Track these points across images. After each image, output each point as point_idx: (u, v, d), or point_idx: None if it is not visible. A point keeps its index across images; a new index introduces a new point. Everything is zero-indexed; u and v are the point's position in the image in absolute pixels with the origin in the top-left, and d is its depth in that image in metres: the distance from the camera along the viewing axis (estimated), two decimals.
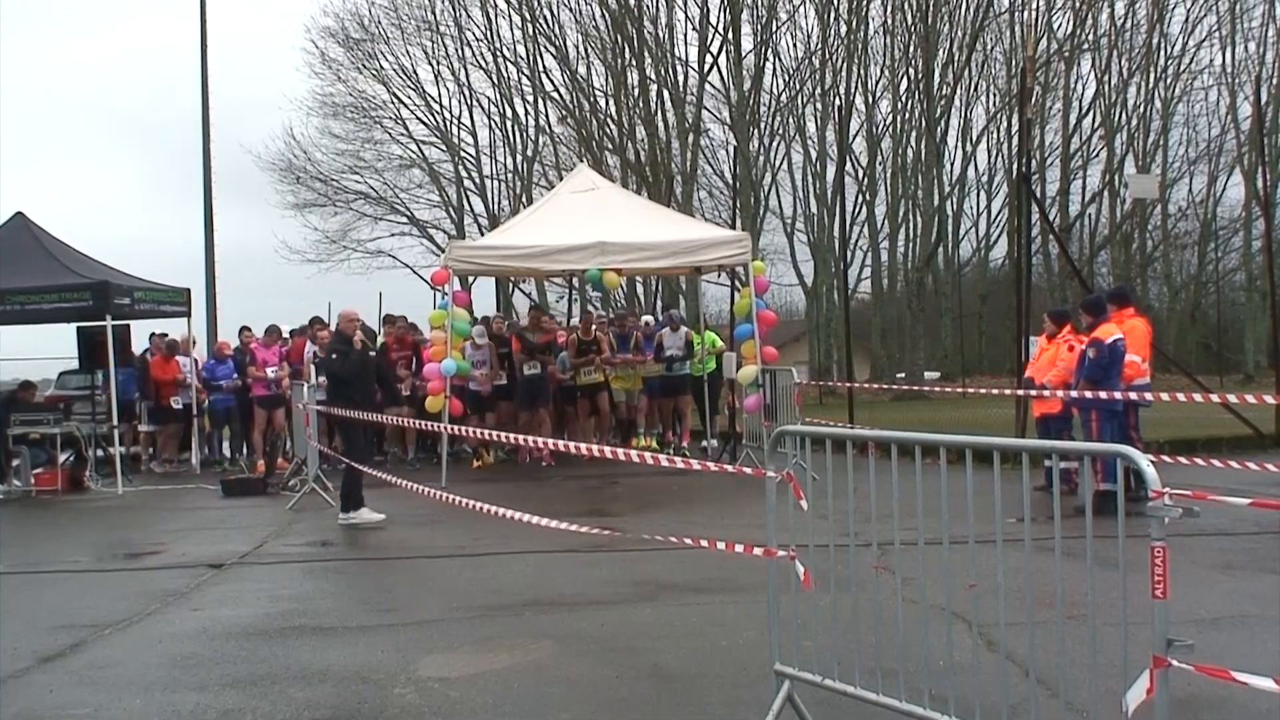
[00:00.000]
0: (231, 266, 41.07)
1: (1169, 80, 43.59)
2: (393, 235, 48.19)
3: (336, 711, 6.11)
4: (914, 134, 42.13)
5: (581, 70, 43.88)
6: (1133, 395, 12.56)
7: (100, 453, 17.86)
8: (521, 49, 44.81)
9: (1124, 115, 44.03)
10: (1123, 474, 4.89)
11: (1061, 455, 4.99)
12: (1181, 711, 4.72)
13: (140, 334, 19.97)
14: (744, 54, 41.85)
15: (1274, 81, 41.09)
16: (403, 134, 47.20)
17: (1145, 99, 43.69)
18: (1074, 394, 12.79)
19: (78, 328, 18.25)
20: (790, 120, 42.79)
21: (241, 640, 7.71)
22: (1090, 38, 42.72)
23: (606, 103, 44.44)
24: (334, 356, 13.33)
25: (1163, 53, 43.13)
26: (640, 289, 39.37)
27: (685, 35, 43.01)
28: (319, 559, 11.26)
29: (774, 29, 42.01)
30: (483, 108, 46.65)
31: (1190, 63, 43.17)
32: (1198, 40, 42.78)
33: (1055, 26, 42.01)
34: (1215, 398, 14.73)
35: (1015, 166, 38.28)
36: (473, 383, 18.07)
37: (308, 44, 62.76)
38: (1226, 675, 4.02)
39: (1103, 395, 12.11)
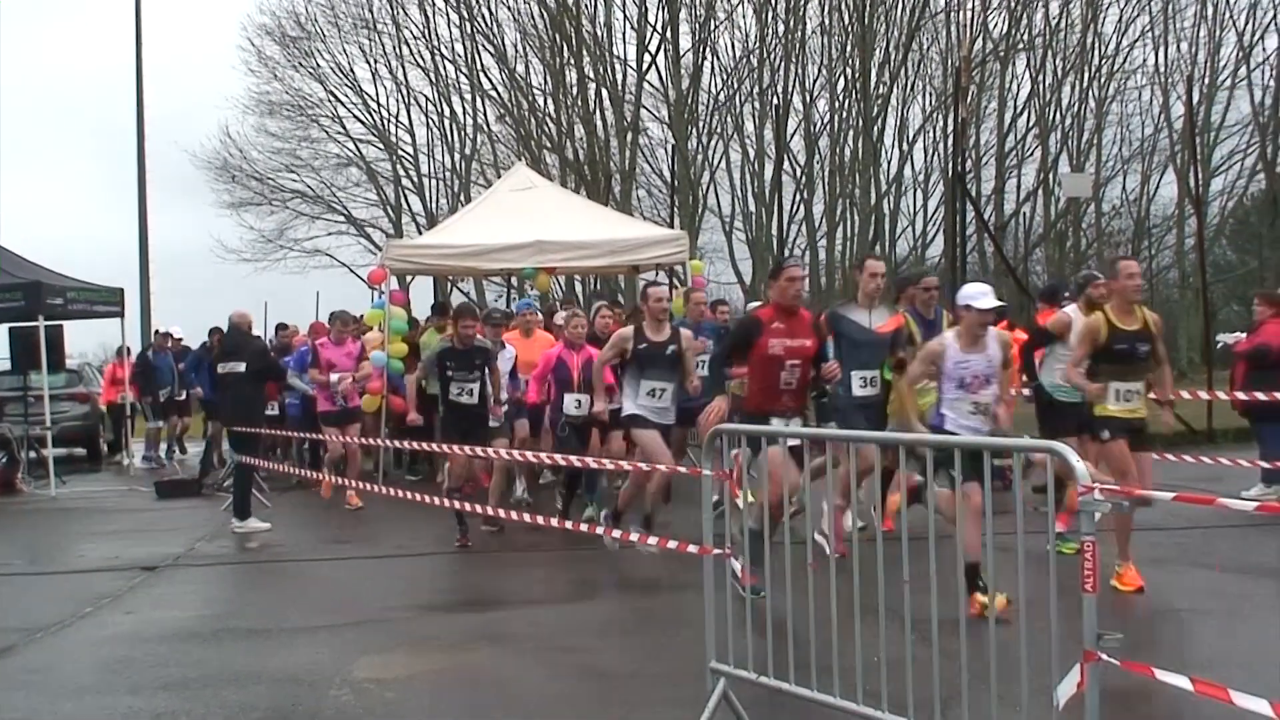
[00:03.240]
0: (168, 266, 40.45)
1: (1103, 80, 44.01)
2: (330, 234, 47.73)
3: (271, 714, 6.06)
4: (851, 133, 42.32)
5: (520, 69, 43.72)
6: None
7: (34, 454, 17.61)
8: (459, 47, 44.59)
9: (1058, 114, 44.37)
10: (1053, 470, 4.92)
11: (994, 452, 5.03)
12: (1114, 703, 4.77)
13: (76, 334, 19.64)
14: (682, 53, 41.91)
15: (1205, 81, 41.68)
16: (340, 132, 46.80)
17: (1079, 98, 44.07)
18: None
19: (9, 328, 17.99)
20: (728, 119, 42.85)
21: (175, 643, 7.62)
22: (1025, 38, 43.06)
23: (545, 101, 44.31)
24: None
25: (1096, 53, 43.54)
26: (579, 287, 39.31)
27: (624, 34, 42.94)
28: (253, 560, 11.17)
29: (712, 28, 42.07)
30: (420, 106, 46.40)
31: (1124, 62, 43.63)
32: (1131, 40, 43.27)
33: (991, 26, 42.37)
34: (1153, 395, 14.85)
35: (950, 166, 38.58)
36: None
37: (244, 42, 61.91)
38: (1149, 672, 4.06)
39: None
